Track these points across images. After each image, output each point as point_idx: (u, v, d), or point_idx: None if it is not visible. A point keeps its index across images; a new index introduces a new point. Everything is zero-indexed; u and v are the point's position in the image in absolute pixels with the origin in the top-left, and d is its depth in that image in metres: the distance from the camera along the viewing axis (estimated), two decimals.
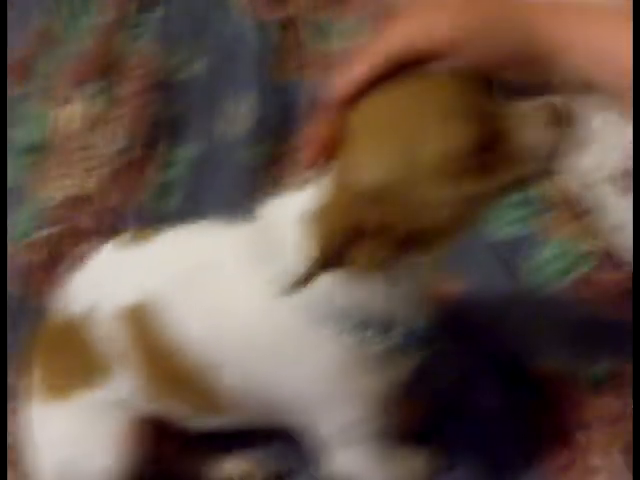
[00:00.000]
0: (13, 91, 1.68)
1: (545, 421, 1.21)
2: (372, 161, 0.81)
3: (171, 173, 1.57)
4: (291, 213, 0.88)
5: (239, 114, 1.62)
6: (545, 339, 1.27)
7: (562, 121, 0.84)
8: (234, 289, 0.96)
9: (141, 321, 1.01)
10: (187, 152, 1.59)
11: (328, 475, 1.09)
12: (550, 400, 1.22)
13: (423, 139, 0.80)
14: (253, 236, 0.94)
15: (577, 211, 1.40)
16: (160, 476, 1.17)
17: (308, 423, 1.02)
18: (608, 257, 1.33)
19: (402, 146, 0.80)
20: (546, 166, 0.86)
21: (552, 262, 1.35)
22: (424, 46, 0.83)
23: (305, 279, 0.81)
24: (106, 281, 1.07)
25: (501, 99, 0.84)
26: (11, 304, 1.39)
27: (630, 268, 1.28)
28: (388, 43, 0.85)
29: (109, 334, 1.04)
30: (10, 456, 1.21)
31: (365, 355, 0.94)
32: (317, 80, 1.68)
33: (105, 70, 1.67)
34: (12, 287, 1.40)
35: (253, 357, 0.97)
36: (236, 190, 1.52)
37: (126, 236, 1.11)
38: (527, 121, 0.83)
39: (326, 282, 0.85)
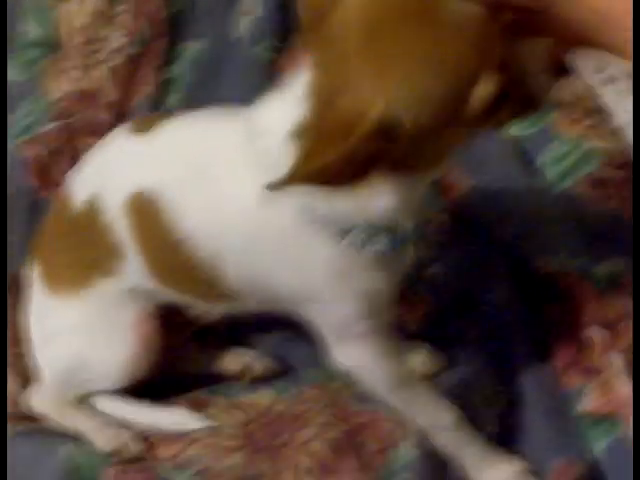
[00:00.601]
0: None
1: (552, 319, 1.22)
2: (387, 92, 0.78)
3: (174, 70, 1.55)
4: (281, 120, 0.87)
5: (243, 10, 1.58)
6: (554, 237, 1.27)
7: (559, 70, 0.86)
8: (231, 188, 0.96)
9: (144, 210, 1.02)
10: (190, 49, 1.56)
11: (327, 371, 1.12)
12: (557, 298, 1.23)
13: (448, 77, 0.78)
14: (247, 138, 0.93)
15: (584, 111, 1.39)
16: (163, 369, 1.18)
17: (308, 316, 1.03)
18: (612, 157, 1.32)
19: (424, 81, 0.79)
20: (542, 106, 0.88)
21: (560, 159, 1.34)
22: None
23: (284, 185, 0.79)
24: (111, 169, 1.08)
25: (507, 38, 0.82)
26: (20, 197, 1.40)
27: None
28: None
29: (115, 221, 1.05)
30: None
31: (360, 257, 0.94)
32: None
33: None
34: (20, 180, 1.41)
35: (250, 253, 0.98)
36: (239, 87, 1.50)
37: (131, 125, 1.12)
38: (532, 66, 0.83)
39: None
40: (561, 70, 0.87)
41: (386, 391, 1.06)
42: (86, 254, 1.10)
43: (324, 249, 0.93)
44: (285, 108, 0.87)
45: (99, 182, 1.08)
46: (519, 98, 0.84)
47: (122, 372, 1.14)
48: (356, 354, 1.03)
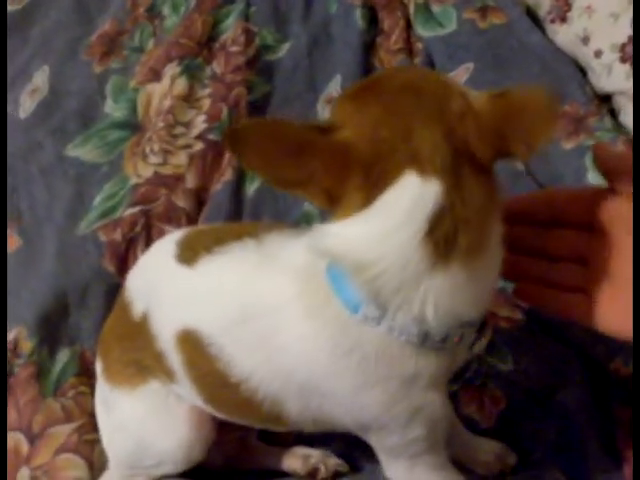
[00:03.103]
0: (107, 64, 1.70)
1: (623, 422, 1.19)
2: None
3: None
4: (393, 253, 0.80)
5: (326, 98, 1.60)
6: None
7: None
8: (290, 339, 0.92)
9: (194, 350, 1.00)
10: None
11: None
12: (629, 401, 1.19)
13: None
14: (311, 289, 0.89)
15: None
16: (226, 467, 1.19)
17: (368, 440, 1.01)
18: None
19: None
20: None
21: None
22: None
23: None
24: (158, 297, 1.05)
25: None
26: (97, 281, 1.41)
27: None
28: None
29: (167, 351, 1.04)
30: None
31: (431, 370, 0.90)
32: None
33: (198, 47, 1.68)
34: (97, 264, 1.42)
35: (312, 397, 0.95)
36: None
37: (175, 241, 1.07)
38: None
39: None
40: None
41: None
42: (141, 359, 1.09)
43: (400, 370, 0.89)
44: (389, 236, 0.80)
45: (149, 303, 1.06)
46: None
47: (178, 456, 1.12)
48: (409, 473, 1.01)
